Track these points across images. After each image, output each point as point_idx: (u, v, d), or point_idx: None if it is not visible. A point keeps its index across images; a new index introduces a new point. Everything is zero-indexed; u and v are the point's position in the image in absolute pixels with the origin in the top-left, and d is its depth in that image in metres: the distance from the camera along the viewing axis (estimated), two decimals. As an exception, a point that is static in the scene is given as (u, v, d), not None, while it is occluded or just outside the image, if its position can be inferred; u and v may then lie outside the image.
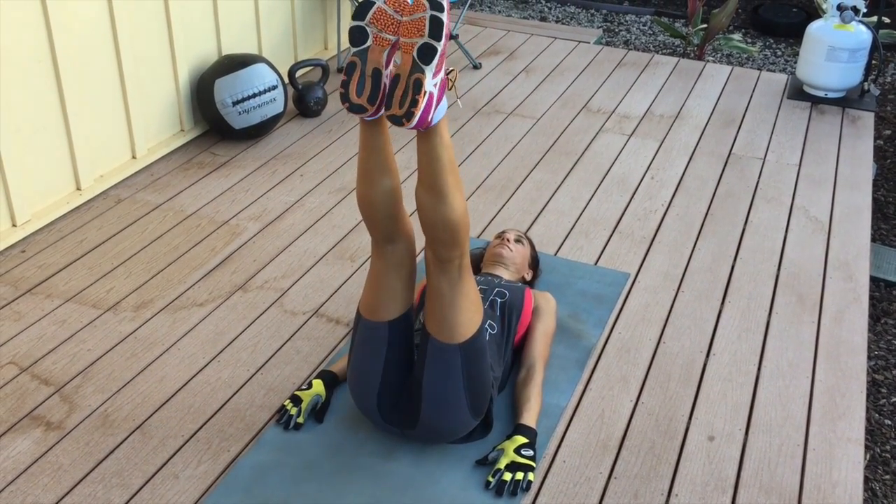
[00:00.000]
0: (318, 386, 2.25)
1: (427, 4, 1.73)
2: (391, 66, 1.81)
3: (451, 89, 1.84)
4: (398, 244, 1.98)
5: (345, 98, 1.78)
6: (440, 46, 1.72)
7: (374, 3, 1.77)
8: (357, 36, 1.77)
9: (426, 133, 1.79)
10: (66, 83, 3.03)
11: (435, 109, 1.76)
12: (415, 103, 1.70)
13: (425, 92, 1.71)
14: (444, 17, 1.71)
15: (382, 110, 1.82)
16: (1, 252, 2.91)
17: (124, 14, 3.21)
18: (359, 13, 1.77)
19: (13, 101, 2.87)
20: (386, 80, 1.79)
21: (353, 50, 1.79)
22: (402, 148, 3.65)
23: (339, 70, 4.40)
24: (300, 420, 2.18)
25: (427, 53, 1.72)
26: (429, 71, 1.72)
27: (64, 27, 2.99)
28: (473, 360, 1.99)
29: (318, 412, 2.22)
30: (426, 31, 1.72)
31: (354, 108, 1.78)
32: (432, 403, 2.01)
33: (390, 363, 2.04)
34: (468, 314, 1.95)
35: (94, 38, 3.14)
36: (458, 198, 1.83)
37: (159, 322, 2.60)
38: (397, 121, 1.72)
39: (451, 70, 1.82)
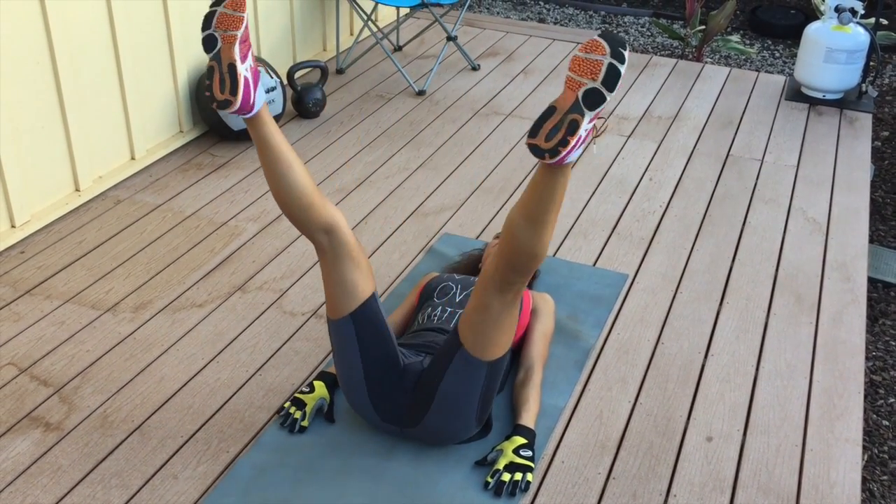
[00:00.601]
0: (321, 388, 2.25)
1: (608, 50, 1.65)
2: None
3: (597, 137, 1.79)
4: (330, 234, 1.98)
5: (211, 99, 1.86)
6: (609, 96, 1.67)
7: (216, 10, 1.89)
8: (208, 44, 1.89)
9: (554, 169, 1.73)
10: (64, 84, 3.03)
11: (572, 155, 1.69)
12: (565, 143, 1.65)
13: (578, 136, 1.66)
14: (623, 69, 1.66)
15: (252, 104, 1.89)
16: (0, 253, 2.91)
17: (123, 15, 3.22)
18: (205, 24, 1.89)
19: (12, 101, 2.87)
20: (247, 74, 1.87)
21: (209, 56, 1.89)
22: (400, 153, 3.65)
23: (339, 71, 4.41)
24: (305, 423, 2.19)
25: (595, 100, 1.66)
26: (588, 116, 1.67)
27: (63, 28, 2.99)
28: (494, 377, 2.01)
29: (328, 413, 2.23)
30: (600, 77, 1.65)
31: (221, 105, 1.85)
32: (443, 408, 2.02)
33: (367, 355, 2.04)
34: (505, 336, 1.96)
35: (93, 40, 3.14)
36: (550, 234, 1.80)
37: (158, 323, 2.60)
38: (539, 153, 1.66)
39: (604, 120, 1.76)
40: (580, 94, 1.67)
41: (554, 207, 1.76)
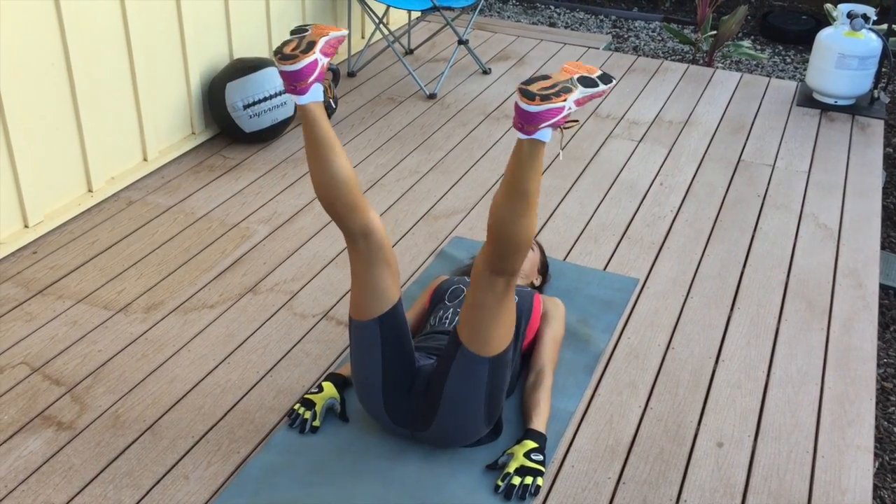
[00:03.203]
0: (330, 388, 2.26)
1: (600, 73, 1.90)
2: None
3: (566, 128, 1.85)
4: (369, 237, 1.99)
5: (277, 50, 1.90)
6: (600, 88, 1.85)
7: (309, 27, 2.00)
8: (297, 29, 1.98)
9: (525, 150, 1.78)
10: (78, 86, 3.05)
11: (549, 124, 1.76)
12: (556, 94, 1.74)
13: (565, 99, 1.75)
14: (613, 85, 1.91)
15: (308, 82, 1.90)
16: (13, 253, 2.93)
17: (137, 17, 3.24)
18: (299, 28, 2.00)
19: (27, 103, 2.89)
20: (321, 59, 1.92)
21: (293, 34, 1.96)
22: (411, 152, 3.66)
23: (350, 74, 4.42)
24: (316, 423, 2.19)
25: (587, 81, 1.84)
26: (580, 92, 1.80)
27: (77, 30, 3.01)
28: (498, 373, 2.01)
29: (341, 413, 2.23)
30: (596, 74, 1.88)
31: (284, 57, 1.88)
32: (450, 409, 2.02)
33: (388, 359, 2.05)
34: (504, 329, 1.96)
35: (107, 41, 3.16)
36: (533, 221, 1.84)
37: (170, 324, 2.61)
38: (529, 95, 1.73)
39: (576, 121, 1.88)
40: (576, 75, 1.84)
41: (532, 189, 1.81)
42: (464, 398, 2.00)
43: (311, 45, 1.91)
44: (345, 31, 2.02)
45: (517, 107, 1.75)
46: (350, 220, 1.98)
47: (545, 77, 1.79)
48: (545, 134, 1.76)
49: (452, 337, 2.01)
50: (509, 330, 1.98)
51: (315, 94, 1.93)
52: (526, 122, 1.75)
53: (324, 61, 1.94)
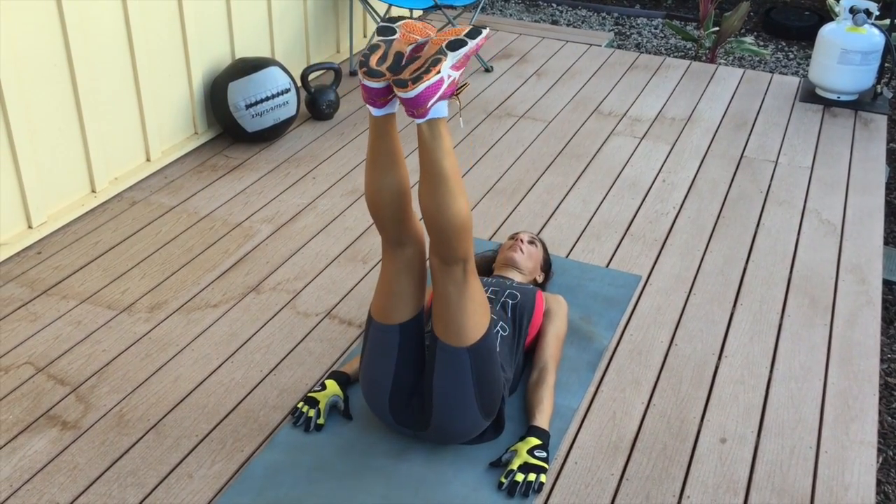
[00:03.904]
0: (333, 386, 2.26)
1: (467, 31, 1.86)
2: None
3: (457, 96, 1.86)
4: (408, 247, 1.99)
5: (364, 63, 1.81)
6: (470, 44, 1.82)
7: (402, 21, 1.92)
8: (385, 30, 1.89)
9: (426, 134, 1.81)
10: (81, 86, 3.06)
11: (437, 99, 1.78)
12: (426, 71, 1.74)
13: (438, 71, 1.75)
14: (483, 35, 1.86)
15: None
16: (17, 254, 2.94)
17: (139, 18, 3.24)
18: (387, 22, 1.93)
19: (30, 103, 2.90)
20: (449, 75, 1.84)
21: (378, 38, 1.87)
22: (412, 151, 3.67)
23: (352, 73, 4.42)
24: (321, 421, 2.20)
25: (456, 44, 1.81)
26: (451, 57, 1.79)
27: (80, 32, 3.02)
28: (482, 361, 2.00)
29: (345, 410, 2.24)
30: (463, 33, 1.85)
31: (372, 73, 1.80)
32: (443, 406, 2.02)
33: (401, 365, 2.05)
34: (475, 317, 1.96)
35: (110, 42, 3.17)
36: (461, 201, 1.84)
37: (173, 323, 2.62)
38: (402, 84, 1.74)
39: (465, 84, 1.88)
40: (444, 44, 1.81)
41: (448, 175, 1.81)
42: (452, 392, 2.00)
43: (399, 56, 1.79)
44: (484, 32, 1.89)
45: (399, 98, 1.77)
46: (393, 229, 1.98)
47: (414, 59, 1.80)
48: (439, 110, 1.79)
49: (431, 334, 2.03)
50: (481, 317, 1.97)
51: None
52: (413, 106, 1.76)
53: (450, 79, 1.81)
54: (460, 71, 1.83)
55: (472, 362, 1.98)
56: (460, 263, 1.89)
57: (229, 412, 2.29)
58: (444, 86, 1.77)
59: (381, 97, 1.84)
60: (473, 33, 1.86)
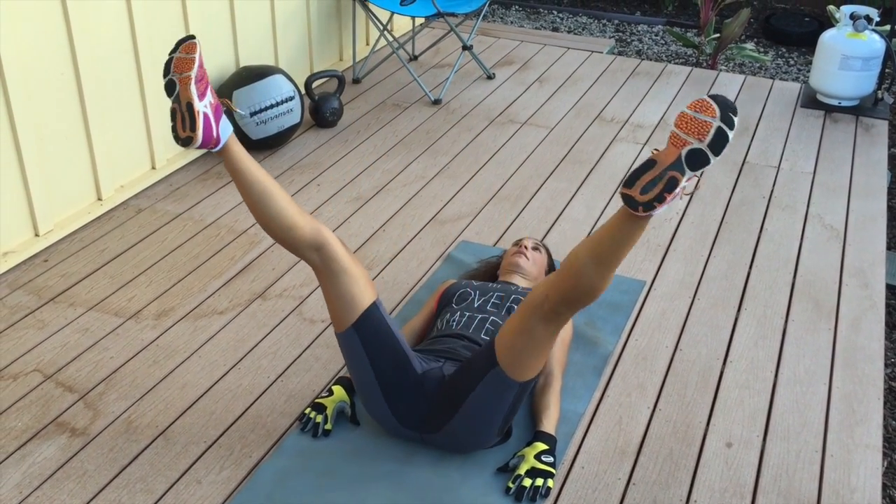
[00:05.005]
0: (340, 392, 2.27)
1: (718, 113, 1.64)
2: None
3: (688, 194, 1.79)
4: (320, 250, 2.02)
5: (175, 138, 1.93)
6: (714, 160, 1.65)
7: (172, 57, 1.97)
8: (169, 88, 1.96)
9: (630, 224, 1.72)
10: (87, 94, 3.08)
11: (665, 205, 1.67)
12: (661, 200, 1.63)
13: (675, 194, 1.64)
14: (732, 135, 1.65)
15: (216, 137, 1.95)
16: (24, 261, 2.95)
17: (144, 26, 3.26)
18: (165, 71, 1.97)
19: (36, 111, 2.92)
20: (205, 110, 1.94)
21: (171, 99, 1.96)
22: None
23: (355, 81, 4.44)
24: (328, 427, 2.21)
25: (699, 161, 1.64)
26: (688, 175, 1.65)
27: (86, 40, 3.03)
28: (522, 395, 2.04)
29: (352, 416, 2.25)
30: (707, 139, 1.64)
31: (184, 141, 1.92)
32: (468, 418, 2.04)
33: (375, 361, 2.07)
34: (542, 360, 2.00)
35: (115, 51, 3.19)
36: (612, 277, 1.82)
37: (180, 330, 2.63)
38: (633, 204, 1.65)
39: (698, 178, 1.71)
40: (684, 152, 1.64)
41: (626, 252, 1.76)
42: (485, 412, 2.03)
43: (190, 109, 1.91)
44: (194, 53, 1.96)
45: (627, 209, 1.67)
46: (291, 238, 2.01)
47: (650, 164, 1.65)
48: (660, 210, 1.69)
49: (488, 352, 2.01)
50: (545, 360, 2.02)
51: (224, 134, 1.98)
52: (634, 215, 1.70)
53: (209, 106, 1.95)
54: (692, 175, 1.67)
55: (516, 394, 2.02)
56: (564, 317, 1.90)
57: (237, 418, 2.30)
58: (673, 197, 1.66)
59: (212, 143, 1.96)
60: (719, 144, 1.63)
